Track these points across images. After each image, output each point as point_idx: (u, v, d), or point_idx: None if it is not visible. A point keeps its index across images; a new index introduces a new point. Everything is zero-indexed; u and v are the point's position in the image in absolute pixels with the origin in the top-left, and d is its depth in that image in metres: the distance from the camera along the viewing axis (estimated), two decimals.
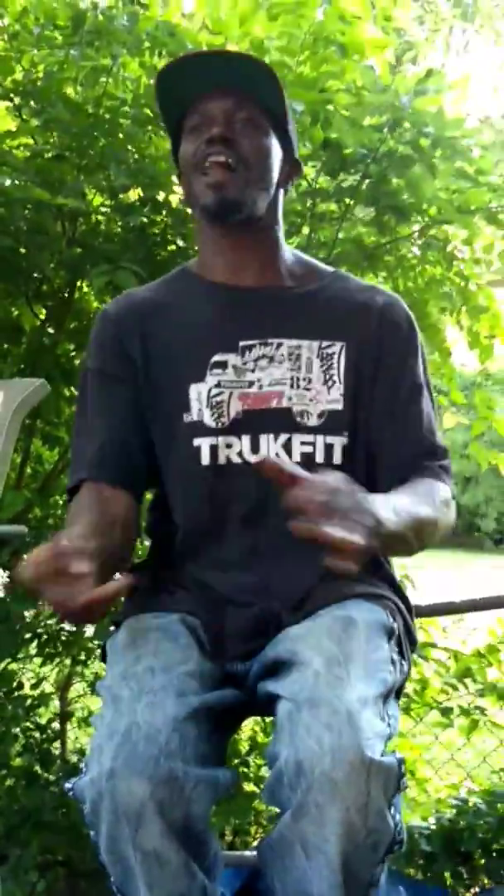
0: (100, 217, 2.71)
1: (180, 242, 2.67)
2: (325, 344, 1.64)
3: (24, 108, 2.65)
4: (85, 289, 2.80)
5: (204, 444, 1.61)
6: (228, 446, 1.61)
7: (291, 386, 1.62)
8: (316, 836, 1.24)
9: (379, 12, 2.85)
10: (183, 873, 1.29)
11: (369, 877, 1.29)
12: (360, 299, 1.69)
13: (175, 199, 2.69)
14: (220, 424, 1.61)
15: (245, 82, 1.60)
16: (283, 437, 1.61)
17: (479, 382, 3.35)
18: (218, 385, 1.62)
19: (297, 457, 1.60)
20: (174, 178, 2.68)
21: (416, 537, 1.51)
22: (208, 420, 1.61)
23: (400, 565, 2.89)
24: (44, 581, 1.27)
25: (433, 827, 2.62)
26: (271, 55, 2.63)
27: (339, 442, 1.62)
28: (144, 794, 1.25)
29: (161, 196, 2.67)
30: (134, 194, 2.68)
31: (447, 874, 2.53)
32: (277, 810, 1.32)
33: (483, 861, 2.56)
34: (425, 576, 3.20)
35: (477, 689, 2.86)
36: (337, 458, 1.62)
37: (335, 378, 1.64)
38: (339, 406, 1.63)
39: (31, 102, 2.62)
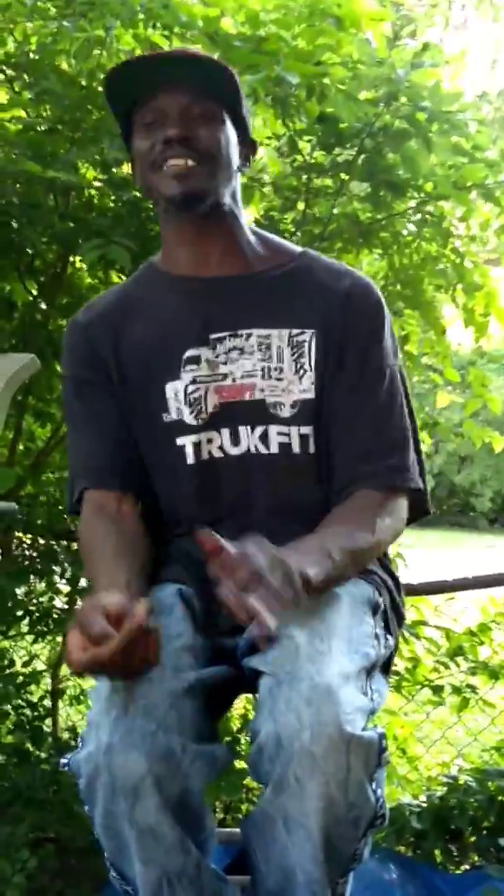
0: (93, 191, 2.69)
1: None
2: (294, 332, 1.63)
3: (16, 80, 2.62)
4: (78, 264, 2.78)
5: (187, 442, 1.62)
6: (210, 441, 1.62)
7: (263, 377, 1.62)
8: (296, 810, 1.24)
9: None
10: (178, 849, 1.29)
11: (351, 851, 1.30)
12: (328, 283, 1.66)
13: None
14: (199, 421, 1.62)
15: (194, 76, 1.58)
16: (259, 429, 1.62)
17: (474, 360, 3.33)
18: (193, 381, 1.62)
19: (274, 447, 1.61)
20: None
21: (355, 565, 1.51)
22: (188, 418, 1.62)
23: (393, 544, 2.90)
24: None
25: (424, 805, 2.62)
26: (267, 28, 2.60)
27: (312, 432, 1.62)
28: (142, 768, 1.25)
29: None
30: (127, 168, 2.65)
31: (437, 852, 2.54)
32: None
33: (473, 839, 2.57)
34: (419, 554, 3.20)
35: (469, 668, 2.86)
36: (311, 447, 1.62)
37: (306, 367, 1.62)
38: (311, 395, 1.62)
39: (24, 75, 2.59)
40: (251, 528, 1.56)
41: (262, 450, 1.61)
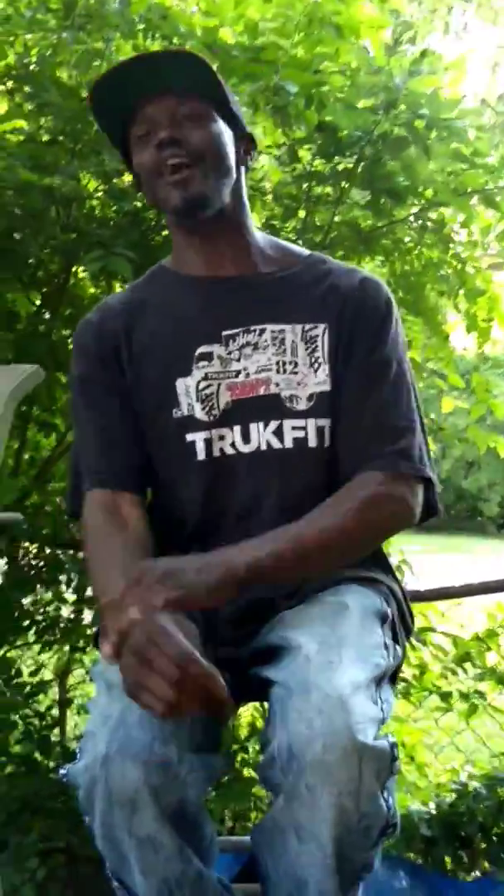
0: (94, 202, 2.70)
1: None
2: (308, 327, 1.63)
3: (16, 92, 2.63)
4: (80, 275, 2.79)
5: (198, 438, 1.61)
6: (221, 438, 1.61)
7: (278, 371, 1.61)
8: (308, 820, 1.24)
9: None
10: (177, 858, 1.28)
11: (363, 861, 1.29)
12: (340, 281, 1.67)
13: None
14: (211, 417, 1.61)
15: (175, 79, 1.57)
16: (273, 424, 1.60)
17: (478, 366, 3.33)
18: (205, 377, 1.61)
19: (289, 442, 1.60)
20: None
21: (304, 553, 1.45)
22: (200, 414, 1.60)
23: (399, 550, 2.90)
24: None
25: (433, 812, 2.62)
26: (266, 37, 2.61)
27: (328, 424, 1.61)
28: (138, 779, 1.24)
29: None
30: (128, 178, 2.66)
31: (447, 858, 2.54)
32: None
33: (483, 845, 2.56)
34: (426, 560, 3.19)
35: (476, 674, 2.85)
36: (327, 440, 1.61)
37: (320, 360, 1.62)
38: (327, 387, 1.61)
39: (24, 87, 2.60)
40: (257, 527, 1.54)
41: (276, 444, 1.60)
